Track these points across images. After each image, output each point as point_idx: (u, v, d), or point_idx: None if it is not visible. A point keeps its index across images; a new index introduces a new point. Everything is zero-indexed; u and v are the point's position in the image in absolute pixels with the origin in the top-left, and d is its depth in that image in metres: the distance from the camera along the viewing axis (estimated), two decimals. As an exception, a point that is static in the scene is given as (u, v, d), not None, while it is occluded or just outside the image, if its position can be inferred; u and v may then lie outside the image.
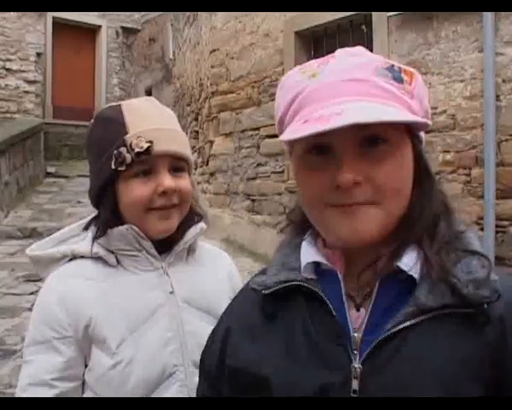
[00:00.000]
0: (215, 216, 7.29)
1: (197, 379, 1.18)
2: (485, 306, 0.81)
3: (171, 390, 1.29)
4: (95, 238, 1.34)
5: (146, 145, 1.26)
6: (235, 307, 1.08)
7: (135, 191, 1.29)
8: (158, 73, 15.65)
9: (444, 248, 0.87)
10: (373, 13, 4.72)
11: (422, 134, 0.94)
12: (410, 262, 0.87)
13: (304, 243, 0.97)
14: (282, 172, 5.91)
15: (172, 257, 1.37)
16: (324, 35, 5.41)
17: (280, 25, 5.87)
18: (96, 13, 15.36)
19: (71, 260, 1.36)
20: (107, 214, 1.33)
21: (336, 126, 0.78)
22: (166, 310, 1.33)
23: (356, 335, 0.86)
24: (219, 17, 7.02)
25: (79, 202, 10.09)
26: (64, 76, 14.51)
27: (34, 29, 13.21)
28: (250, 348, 0.96)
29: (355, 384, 0.83)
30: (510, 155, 3.89)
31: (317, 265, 0.95)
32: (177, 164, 1.33)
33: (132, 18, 16.48)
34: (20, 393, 1.28)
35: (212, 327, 1.23)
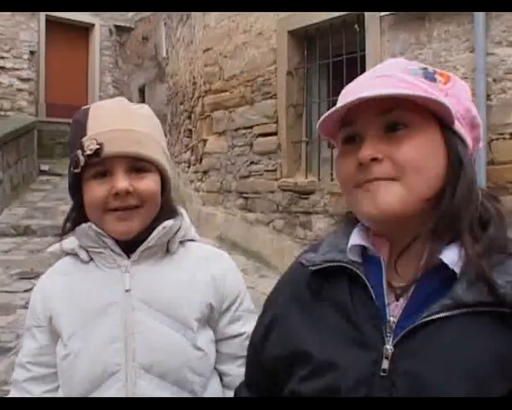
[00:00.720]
0: (208, 214, 7.32)
1: (141, 382, 1.27)
2: None
3: (112, 390, 1.27)
4: (62, 235, 1.41)
5: (95, 147, 1.26)
6: (285, 280, 1.14)
7: (91, 193, 1.30)
8: (151, 72, 15.62)
9: (488, 252, 0.89)
10: (365, 13, 4.75)
11: (460, 128, 0.97)
12: (453, 257, 0.90)
13: (355, 229, 1.03)
14: (275, 170, 5.93)
15: (137, 256, 1.35)
16: (317, 34, 5.43)
17: (273, 24, 5.89)
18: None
19: (66, 255, 1.43)
20: (72, 213, 1.40)
21: (350, 100, 0.89)
22: (119, 308, 1.31)
23: (392, 319, 0.92)
24: (213, 16, 7.04)
25: (73, 200, 10.08)
26: (57, 74, 14.47)
27: (27, 27, 13.16)
28: (296, 320, 1.02)
29: (385, 364, 0.88)
30: (501, 154, 3.94)
31: (364, 250, 1.01)
32: (138, 165, 1.30)
33: (125, 16, 16.44)
34: (14, 369, 1.42)
35: (171, 331, 1.30)
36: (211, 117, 7.22)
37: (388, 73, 0.95)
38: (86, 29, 15.79)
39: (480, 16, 3.91)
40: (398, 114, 0.92)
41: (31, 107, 13.14)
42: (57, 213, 9.24)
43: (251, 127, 6.30)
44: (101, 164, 1.28)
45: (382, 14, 4.56)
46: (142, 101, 15.31)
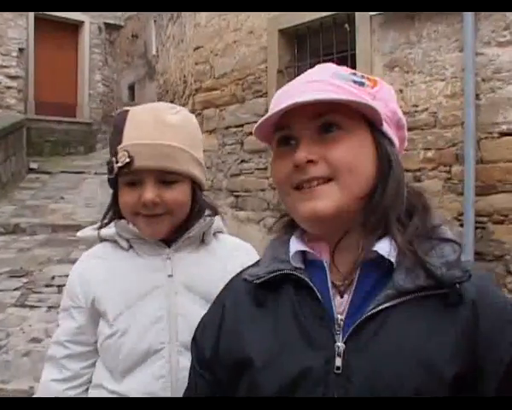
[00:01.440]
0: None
1: (183, 359, 1.38)
2: (458, 286, 0.89)
3: (156, 365, 1.40)
4: (101, 227, 1.53)
5: (127, 160, 1.37)
6: (228, 296, 1.15)
7: (123, 198, 1.44)
8: (141, 70, 15.60)
9: (416, 239, 0.94)
10: (356, 12, 4.77)
11: (388, 129, 1.02)
12: (386, 248, 0.94)
13: (292, 237, 1.07)
14: (266, 168, 5.94)
15: (177, 245, 1.47)
16: (308, 33, 5.44)
17: (264, 23, 5.90)
18: (78, 8, 15.26)
19: (102, 241, 1.54)
20: (110, 209, 1.53)
21: (285, 105, 0.93)
22: (163, 291, 1.44)
23: (339, 317, 0.94)
24: (203, 14, 7.03)
25: (62, 198, 10.05)
26: (46, 72, 14.42)
27: (16, 24, 13.10)
28: (241, 332, 1.03)
29: (338, 362, 0.90)
30: (489, 153, 3.96)
31: (304, 256, 1.03)
32: (165, 177, 1.40)
33: (115, 14, 16.42)
34: (49, 347, 1.54)
35: None
36: (201, 115, 7.21)
37: (318, 78, 1.00)
38: (75, 26, 15.73)
39: (469, 16, 3.93)
40: (331, 117, 0.96)
41: (19, 104, 13.09)
42: (46, 211, 9.23)
43: (241, 125, 6.31)
44: (130, 174, 1.40)
45: (372, 13, 4.58)
46: (132, 99, 15.30)
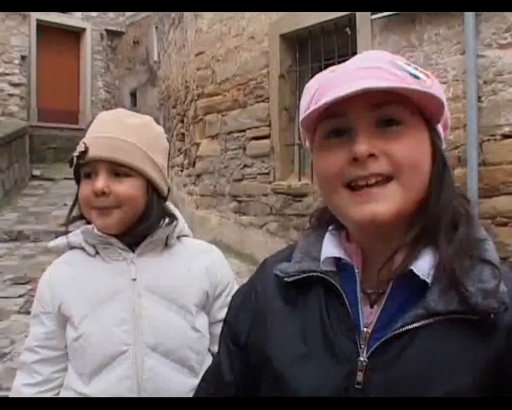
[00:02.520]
0: (202, 218, 7.32)
1: (148, 360, 1.43)
2: (492, 316, 0.83)
3: (122, 367, 1.43)
4: (66, 223, 1.57)
5: (82, 149, 1.44)
6: (260, 280, 1.10)
7: (80, 191, 1.49)
8: (142, 76, 15.61)
9: (459, 255, 0.87)
10: (357, 16, 4.77)
11: (441, 129, 0.96)
12: (424, 266, 0.89)
13: (327, 235, 1.01)
14: (268, 173, 5.94)
15: (141, 249, 1.51)
16: (309, 38, 5.45)
17: (265, 28, 5.90)
18: (80, 16, 15.33)
19: (71, 248, 1.58)
20: (74, 205, 1.56)
21: (348, 92, 0.83)
22: (126, 294, 1.48)
23: (365, 330, 0.90)
24: (204, 20, 7.05)
25: (66, 205, 10.00)
26: (49, 79, 14.45)
27: (18, 32, 13.15)
28: (269, 328, 1.01)
29: (359, 377, 0.87)
30: (492, 155, 3.96)
31: (338, 257, 0.97)
32: (117, 169, 1.45)
33: (117, 21, 16.45)
34: (21, 354, 1.57)
35: (173, 314, 1.48)
36: (203, 121, 7.23)
37: (375, 65, 0.90)
38: (77, 34, 15.77)
39: (470, 19, 3.93)
40: (392, 110, 0.88)
41: (22, 112, 13.13)
42: (50, 218, 9.24)
43: (244, 131, 6.31)
44: (88, 165, 1.46)
45: (374, 17, 4.58)
46: (134, 105, 15.31)
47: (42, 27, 14.35)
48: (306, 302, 0.98)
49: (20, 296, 5.42)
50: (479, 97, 3.98)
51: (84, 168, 1.47)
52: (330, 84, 0.90)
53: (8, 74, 12.81)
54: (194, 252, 1.62)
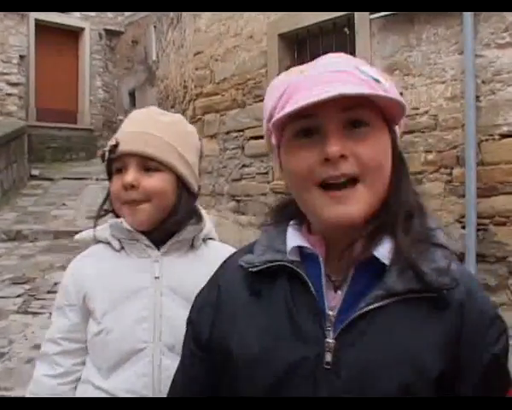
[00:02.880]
0: (200, 217, 7.30)
1: (165, 359, 1.43)
2: (445, 292, 0.91)
3: (140, 364, 1.44)
4: (97, 217, 1.59)
5: (113, 143, 1.47)
6: (223, 276, 1.13)
7: (112, 186, 1.51)
8: (141, 75, 15.62)
9: (415, 242, 0.95)
10: (355, 15, 4.78)
11: (397, 129, 1.02)
12: (385, 251, 0.96)
13: (289, 229, 1.06)
14: (267, 173, 5.95)
15: (166, 248, 1.51)
16: (307, 37, 5.45)
17: (263, 27, 5.91)
18: (78, 15, 15.32)
19: (97, 242, 1.59)
20: (106, 200, 1.58)
21: (324, 97, 0.87)
22: (149, 292, 1.48)
23: (331, 313, 0.95)
24: (203, 20, 7.05)
25: (64, 205, 10.05)
26: (47, 78, 14.44)
27: (17, 31, 13.13)
28: (235, 320, 1.03)
29: (328, 357, 0.92)
30: (490, 155, 3.96)
31: (301, 248, 1.02)
32: (148, 164, 1.47)
33: (115, 20, 16.45)
34: (42, 344, 1.58)
35: None
36: (202, 120, 7.23)
37: (344, 69, 0.95)
38: (76, 33, 15.76)
39: (468, 19, 3.94)
40: (361, 112, 0.93)
41: (21, 111, 13.11)
42: (48, 217, 9.24)
43: (242, 130, 6.31)
44: (119, 160, 1.48)
45: (372, 16, 4.59)
46: (133, 105, 15.31)
47: (40, 27, 14.35)
48: (272, 292, 1.01)
49: (18, 296, 5.42)
50: (477, 97, 3.99)
51: (115, 163, 1.49)
52: (301, 86, 0.95)
53: (6, 74, 12.79)
54: (219, 256, 1.57)
